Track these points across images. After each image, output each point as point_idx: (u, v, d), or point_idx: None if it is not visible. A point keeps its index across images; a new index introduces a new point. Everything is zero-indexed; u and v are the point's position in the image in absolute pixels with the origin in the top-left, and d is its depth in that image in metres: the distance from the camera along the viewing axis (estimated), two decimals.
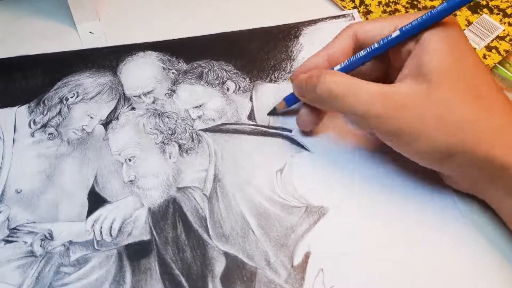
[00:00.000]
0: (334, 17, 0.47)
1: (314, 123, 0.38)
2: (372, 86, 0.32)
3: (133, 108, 0.41)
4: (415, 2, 0.49)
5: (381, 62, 0.36)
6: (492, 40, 0.45)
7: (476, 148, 0.30)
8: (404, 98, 0.31)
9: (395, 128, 0.31)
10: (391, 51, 0.34)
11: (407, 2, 0.49)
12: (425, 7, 0.49)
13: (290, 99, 0.39)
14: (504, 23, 0.46)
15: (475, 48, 0.33)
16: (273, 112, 0.40)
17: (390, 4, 0.49)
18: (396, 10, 0.49)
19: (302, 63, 0.37)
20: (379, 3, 0.49)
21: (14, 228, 0.34)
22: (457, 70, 0.31)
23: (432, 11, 0.31)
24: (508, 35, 0.46)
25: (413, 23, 0.32)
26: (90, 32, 0.47)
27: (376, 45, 0.33)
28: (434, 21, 0.31)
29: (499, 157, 0.30)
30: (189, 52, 0.44)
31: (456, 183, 0.35)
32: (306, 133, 0.39)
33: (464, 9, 0.48)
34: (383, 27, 0.34)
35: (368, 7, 0.49)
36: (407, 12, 0.48)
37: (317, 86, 0.33)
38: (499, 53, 0.45)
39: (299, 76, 0.36)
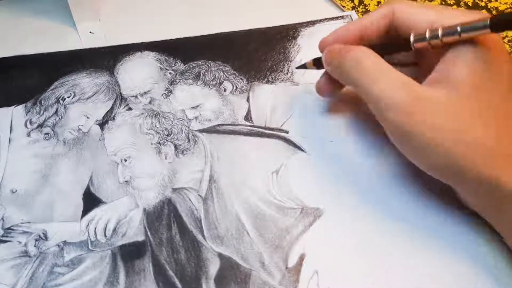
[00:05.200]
0: (332, 19, 0.47)
1: (332, 92, 0.37)
2: (400, 75, 0.30)
3: (130, 109, 0.41)
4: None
5: (414, 52, 0.34)
6: None
7: (485, 173, 0.28)
8: (432, 101, 0.29)
9: (411, 129, 0.29)
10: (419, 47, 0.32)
11: None
12: None
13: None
14: None
15: None
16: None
17: None
18: None
19: (332, 32, 0.35)
20: (378, 3, 0.49)
21: (9, 228, 0.34)
22: (487, 88, 0.29)
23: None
24: (506, 36, 0.46)
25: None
26: (90, 32, 0.47)
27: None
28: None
29: (507, 184, 0.28)
30: (186, 53, 0.44)
31: (469, 203, 0.33)
32: (322, 94, 0.38)
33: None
34: (428, 16, 0.31)
35: (367, 7, 0.49)
36: None
37: (345, 56, 0.32)
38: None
39: (329, 46, 0.35)
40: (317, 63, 0.38)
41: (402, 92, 0.30)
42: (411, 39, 0.31)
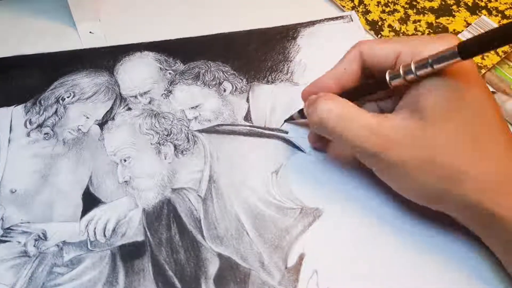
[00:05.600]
0: (332, 19, 0.47)
1: (322, 142, 0.37)
2: (368, 120, 0.30)
3: (129, 109, 0.41)
4: (414, 3, 0.49)
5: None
6: None
7: (465, 195, 0.29)
8: (398, 136, 0.29)
9: (386, 165, 0.30)
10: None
11: (406, 3, 0.49)
12: (423, 8, 0.48)
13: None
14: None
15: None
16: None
17: (389, 4, 0.49)
18: (395, 10, 0.48)
19: (311, 83, 0.35)
20: (378, 3, 0.49)
21: (8, 228, 0.34)
22: (455, 111, 0.29)
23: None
24: None
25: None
26: (90, 32, 0.47)
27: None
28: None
29: (488, 206, 0.28)
30: (186, 53, 0.44)
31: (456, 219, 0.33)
32: (316, 149, 0.38)
33: (463, 10, 0.48)
34: (394, 48, 0.31)
35: (367, 7, 0.49)
36: (405, 12, 0.48)
37: (312, 114, 0.32)
38: (497, 54, 0.44)
39: (306, 97, 0.35)
40: (302, 114, 0.37)
41: (370, 140, 0.30)
42: (387, 77, 0.31)
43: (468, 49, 0.27)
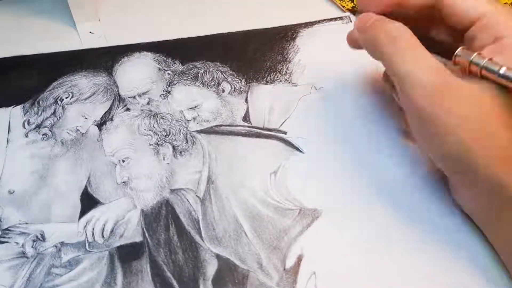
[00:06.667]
0: (331, 19, 0.47)
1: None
2: (438, 64, 0.29)
3: (128, 109, 0.41)
4: None
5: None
6: None
7: (494, 172, 0.28)
8: (458, 90, 0.29)
9: (434, 111, 0.29)
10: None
11: None
12: None
13: None
14: None
15: None
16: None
17: None
18: None
19: None
20: None
21: (6, 229, 0.34)
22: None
23: None
24: None
25: None
26: (90, 32, 0.47)
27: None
28: None
29: (501, 175, 0.28)
30: (185, 53, 0.44)
31: (466, 204, 0.33)
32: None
33: None
34: (477, 7, 0.30)
35: None
36: None
37: (381, 33, 0.31)
38: None
39: (364, 14, 0.34)
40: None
41: (432, 75, 0.29)
42: (457, 53, 0.30)
43: None
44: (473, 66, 0.29)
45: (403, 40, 0.31)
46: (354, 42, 0.37)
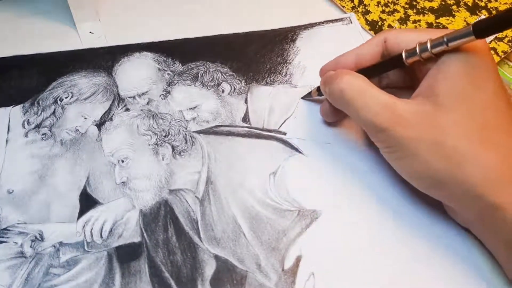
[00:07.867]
0: (331, 21, 0.47)
1: (334, 115, 0.38)
2: (383, 97, 0.32)
3: (128, 109, 0.41)
4: (414, 3, 0.49)
5: (408, 74, 0.35)
6: (491, 41, 0.45)
7: (466, 183, 0.29)
8: (410, 115, 0.30)
9: (394, 142, 0.31)
10: (417, 65, 0.33)
11: (406, 3, 0.49)
12: (423, 8, 0.48)
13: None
14: None
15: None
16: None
17: (389, 4, 0.49)
18: (395, 10, 0.48)
19: (332, 60, 0.37)
20: (378, 3, 0.49)
21: (5, 229, 0.34)
22: (468, 98, 0.29)
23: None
24: (506, 36, 0.45)
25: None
26: (90, 32, 0.47)
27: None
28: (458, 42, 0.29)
29: (488, 196, 0.28)
30: (185, 54, 0.44)
31: (455, 216, 0.33)
32: (328, 123, 0.39)
33: (463, 10, 0.48)
34: (418, 36, 0.32)
35: (367, 7, 0.49)
36: (405, 12, 0.48)
37: (332, 85, 0.34)
38: (497, 54, 0.44)
39: (325, 72, 0.36)
40: (319, 91, 0.39)
41: (382, 115, 0.31)
42: (403, 55, 0.32)
43: (482, 28, 0.27)
44: (424, 55, 0.31)
45: (349, 91, 0.33)
46: (326, 115, 0.39)
